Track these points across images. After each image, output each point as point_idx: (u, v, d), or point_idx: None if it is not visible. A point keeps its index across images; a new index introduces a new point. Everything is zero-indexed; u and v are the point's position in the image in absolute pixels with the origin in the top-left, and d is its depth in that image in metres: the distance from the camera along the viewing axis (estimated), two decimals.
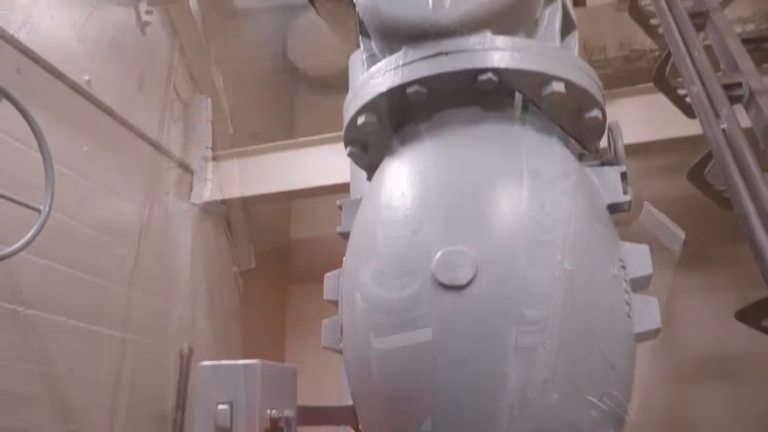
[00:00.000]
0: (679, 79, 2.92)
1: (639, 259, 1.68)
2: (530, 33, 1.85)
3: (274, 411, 1.84)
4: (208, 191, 5.05)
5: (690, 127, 3.54)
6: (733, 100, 2.44)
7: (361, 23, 2.05)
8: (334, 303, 1.90)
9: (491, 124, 1.73)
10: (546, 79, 1.67)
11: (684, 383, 4.79)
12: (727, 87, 2.46)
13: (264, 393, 1.84)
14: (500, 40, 1.69)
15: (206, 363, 1.93)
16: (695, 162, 2.70)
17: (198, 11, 5.07)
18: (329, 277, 1.96)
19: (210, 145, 5.20)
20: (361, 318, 1.66)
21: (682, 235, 1.93)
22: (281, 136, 5.87)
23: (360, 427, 1.84)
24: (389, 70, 1.75)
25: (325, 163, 4.76)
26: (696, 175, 2.75)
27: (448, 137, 1.73)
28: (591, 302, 1.51)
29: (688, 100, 2.86)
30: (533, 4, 1.85)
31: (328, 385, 3.21)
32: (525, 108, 1.75)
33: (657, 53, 4.35)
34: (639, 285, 1.67)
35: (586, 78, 1.75)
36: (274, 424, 1.84)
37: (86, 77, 3.89)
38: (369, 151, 1.99)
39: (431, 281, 1.48)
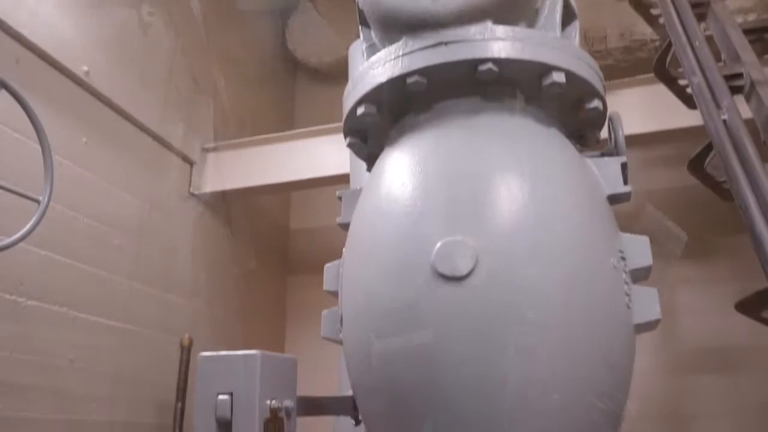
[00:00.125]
0: (680, 70, 2.91)
1: (639, 250, 1.68)
2: (531, 23, 1.85)
3: (274, 401, 1.85)
4: (207, 183, 5.05)
5: (691, 118, 3.54)
6: (734, 90, 2.43)
7: (361, 13, 2.04)
8: (334, 294, 1.90)
9: (491, 115, 1.72)
10: (546, 69, 1.66)
11: (684, 374, 4.81)
12: (728, 77, 2.46)
13: (264, 383, 1.84)
14: (500, 29, 1.68)
15: (206, 354, 1.94)
16: (696, 153, 2.70)
17: (198, 2, 5.05)
18: (329, 267, 1.96)
19: (210, 136, 5.20)
20: (360, 309, 1.66)
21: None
22: (281, 127, 5.86)
23: (360, 417, 1.85)
24: (389, 60, 1.74)
25: (325, 154, 4.75)
26: (696, 166, 2.75)
27: (448, 128, 1.72)
28: (591, 293, 1.51)
29: (688, 90, 2.85)
30: None
31: (327, 376, 3.22)
32: (525, 98, 1.74)
33: (658, 43, 4.33)
34: (639, 276, 1.67)
35: (587, 68, 1.74)
36: (274, 414, 1.84)
37: (85, 68, 3.88)
38: (369, 142, 1.99)
39: (431, 272, 1.48)
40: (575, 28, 1.96)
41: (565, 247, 1.52)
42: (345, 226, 1.92)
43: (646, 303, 1.62)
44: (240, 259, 5.50)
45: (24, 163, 3.28)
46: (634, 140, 3.42)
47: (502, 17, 1.71)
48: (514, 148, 1.67)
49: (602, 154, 1.84)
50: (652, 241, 1.70)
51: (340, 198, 2.06)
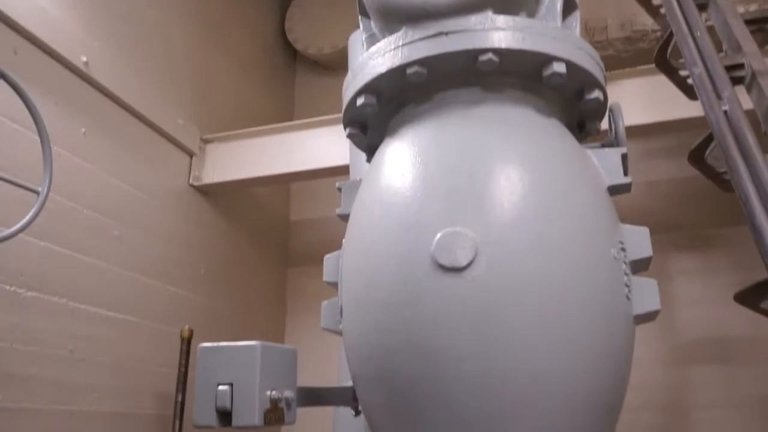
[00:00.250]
0: (681, 60, 2.90)
1: (639, 241, 1.68)
2: (532, 13, 1.84)
3: (274, 392, 1.85)
4: (207, 174, 5.04)
5: (691, 109, 3.53)
6: (735, 81, 2.42)
7: (361, 3, 2.03)
8: (334, 285, 1.90)
9: (492, 105, 1.72)
10: (547, 59, 1.66)
11: (683, 365, 4.81)
12: (729, 68, 2.45)
13: (264, 374, 1.85)
14: (501, 19, 1.67)
15: (206, 344, 1.94)
16: (696, 144, 2.69)
17: None
18: (329, 258, 1.96)
19: (209, 128, 5.19)
20: (360, 299, 1.66)
21: None
22: (281, 118, 5.85)
23: (360, 408, 1.85)
24: (389, 50, 1.73)
25: (325, 145, 4.74)
26: (697, 157, 2.74)
27: (448, 118, 1.71)
28: (591, 283, 1.51)
29: (689, 81, 2.84)
30: None
31: (327, 366, 3.23)
32: (526, 89, 1.74)
33: (659, 34, 4.32)
34: (639, 267, 1.67)
35: (588, 59, 1.74)
36: (274, 404, 1.85)
37: (84, 58, 3.86)
38: (368, 133, 1.98)
39: (431, 263, 1.48)
40: (576, 18, 1.95)
41: (565, 238, 1.52)
42: (345, 218, 1.92)
43: (646, 294, 1.62)
44: (239, 250, 5.50)
45: (23, 154, 3.27)
46: (634, 131, 3.42)
47: (502, 7, 1.71)
48: (515, 138, 1.66)
49: (602, 145, 1.84)
50: (651, 233, 1.70)
51: (339, 189, 2.06)
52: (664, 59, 3.22)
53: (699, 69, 2.45)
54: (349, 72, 1.90)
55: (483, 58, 1.63)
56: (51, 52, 3.66)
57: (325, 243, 2.42)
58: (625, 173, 1.76)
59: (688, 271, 4.95)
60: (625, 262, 1.62)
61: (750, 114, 2.24)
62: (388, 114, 1.87)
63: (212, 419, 1.83)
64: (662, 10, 3.19)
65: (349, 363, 1.78)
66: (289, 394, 1.92)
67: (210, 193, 5.13)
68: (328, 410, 2.76)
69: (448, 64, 1.68)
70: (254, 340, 1.89)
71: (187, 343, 4.16)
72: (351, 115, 1.92)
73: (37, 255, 3.43)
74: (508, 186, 1.56)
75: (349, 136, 1.99)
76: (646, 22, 4.83)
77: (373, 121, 1.92)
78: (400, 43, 1.71)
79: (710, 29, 2.76)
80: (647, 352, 4.48)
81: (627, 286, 1.60)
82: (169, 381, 4.14)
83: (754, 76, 2.39)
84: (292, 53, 6.94)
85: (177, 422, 3.97)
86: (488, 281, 1.45)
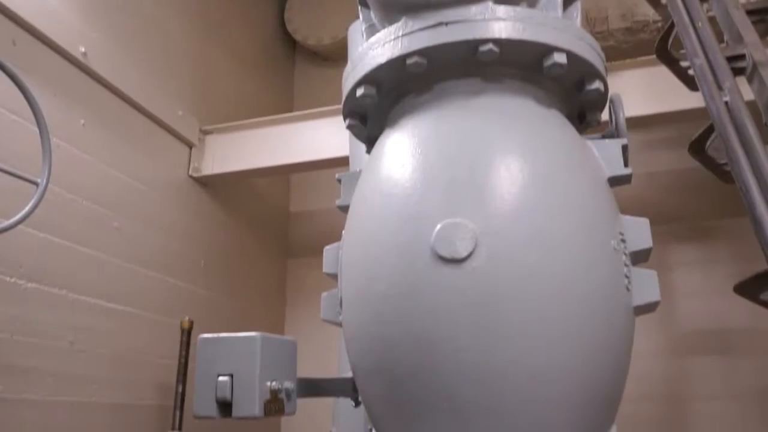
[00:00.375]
0: (682, 51, 2.90)
1: (639, 232, 1.68)
2: (532, 3, 1.83)
3: (274, 383, 1.85)
4: (206, 165, 5.04)
5: (692, 100, 3.53)
6: (737, 72, 2.41)
7: None
8: (334, 276, 1.90)
9: (492, 96, 1.71)
10: (548, 49, 1.65)
11: (682, 357, 4.83)
12: (730, 59, 2.44)
13: (264, 365, 1.85)
14: (501, 9, 1.66)
15: (206, 335, 1.94)
16: (697, 135, 2.69)
17: None
18: (328, 250, 1.96)
19: (209, 119, 5.18)
20: (360, 291, 1.66)
21: None
22: (280, 109, 5.84)
23: (360, 399, 1.85)
24: (388, 40, 1.72)
25: (325, 136, 4.73)
26: (697, 148, 2.74)
27: (448, 109, 1.71)
28: (591, 274, 1.51)
29: (690, 72, 2.84)
30: None
31: (327, 357, 3.23)
32: (526, 79, 1.73)
33: (660, 24, 4.31)
34: (639, 258, 1.67)
35: (589, 49, 1.73)
36: (274, 395, 1.85)
37: (82, 49, 3.85)
38: (368, 124, 1.98)
39: (431, 254, 1.48)
40: (577, 8, 1.94)
41: (566, 229, 1.51)
42: (344, 209, 1.92)
43: (646, 285, 1.62)
44: (239, 241, 5.50)
45: (22, 146, 3.27)
46: (635, 122, 3.42)
47: None
48: (515, 129, 1.66)
49: (603, 136, 1.84)
50: (652, 224, 1.69)
51: (339, 180, 2.06)
52: (665, 50, 3.21)
53: (700, 60, 2.44)
54: (349, 62, 1.89)
55: (483, 48, 1.62)
56: (49, 42, 3.65)
57: (325, 234, 2.41)
58: (626, 164, 1.75)
59: (688, 262, 4.96)
60: (625, 254, 1.62)
61: (751, 105, 2.24)
62: (387, 105, 1.86)
63: (212, 410, 1.83)
64: (663, 1, 3.18)
65: (349, 354, 1.78)
66: (289, 385, 1.92)
67: (209, 184, 5.13)
68: (328, 401, 2.77)
69: (448, 54, 1.67)
70: (254, 331, 1.89)
71: (187, 334, 4.17)
72: (351, 106, 1.91)
73: (36, 246, 3.43)
74: (508, 177, 1.55)
75: (349, 127, 1.98)
76: (647, 12, 4.82)
77: (373, 112, 1.91)
78: (400, 34, 1.70)
79: (711, 19, 2.74)
80: (647, 343, 4.49)
81: (627, 277, 1.59)
82: (169, 372, 4.15)
83: (755, 66, 2.38)
84: (291, 44, 6.93)
85: (177, 413, 3.99)
86: (488, 272, 1.45)
